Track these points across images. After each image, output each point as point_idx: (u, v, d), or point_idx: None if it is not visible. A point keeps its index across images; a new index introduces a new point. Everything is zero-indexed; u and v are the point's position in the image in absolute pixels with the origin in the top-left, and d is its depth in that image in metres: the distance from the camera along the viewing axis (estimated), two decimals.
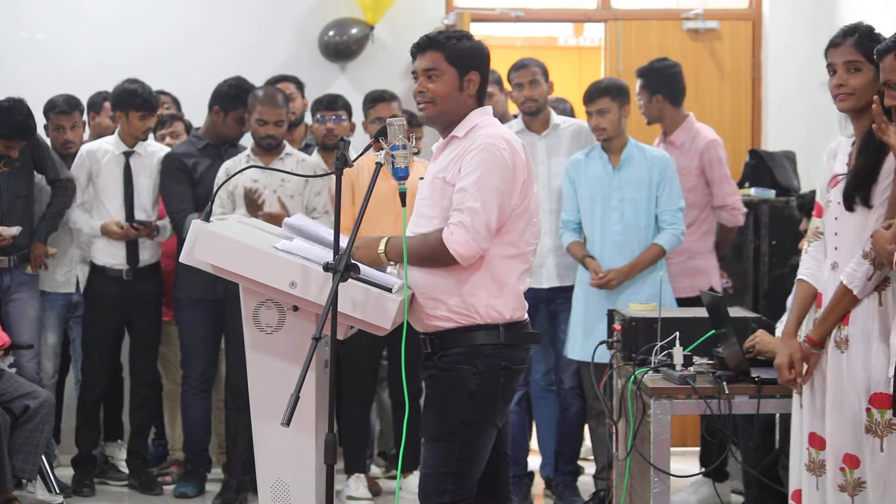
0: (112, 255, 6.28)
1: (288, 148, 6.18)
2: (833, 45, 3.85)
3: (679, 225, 5.76)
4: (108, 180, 6.29)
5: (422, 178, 3.94)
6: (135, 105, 6.26)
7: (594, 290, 5.75)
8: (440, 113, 3.86)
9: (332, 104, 6.42)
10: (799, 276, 3.98)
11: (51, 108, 6.48)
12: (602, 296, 5.72)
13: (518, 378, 3.90)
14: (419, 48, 3.87)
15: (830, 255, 3.83)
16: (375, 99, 6.22)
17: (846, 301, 3.71)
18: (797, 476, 3.95)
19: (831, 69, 3.85)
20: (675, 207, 5.76)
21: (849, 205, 3.75)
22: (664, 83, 6.10)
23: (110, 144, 6.36)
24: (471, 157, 3.74)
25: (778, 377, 3.94)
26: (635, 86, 6.12)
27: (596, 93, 5.82)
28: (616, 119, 5.77)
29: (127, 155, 6.33)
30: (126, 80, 6.32)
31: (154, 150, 6.43)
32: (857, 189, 3.72)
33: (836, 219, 3.81)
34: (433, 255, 3.74)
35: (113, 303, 6.29)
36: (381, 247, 3.79)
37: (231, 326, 6.00)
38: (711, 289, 6.03)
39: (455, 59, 3.83)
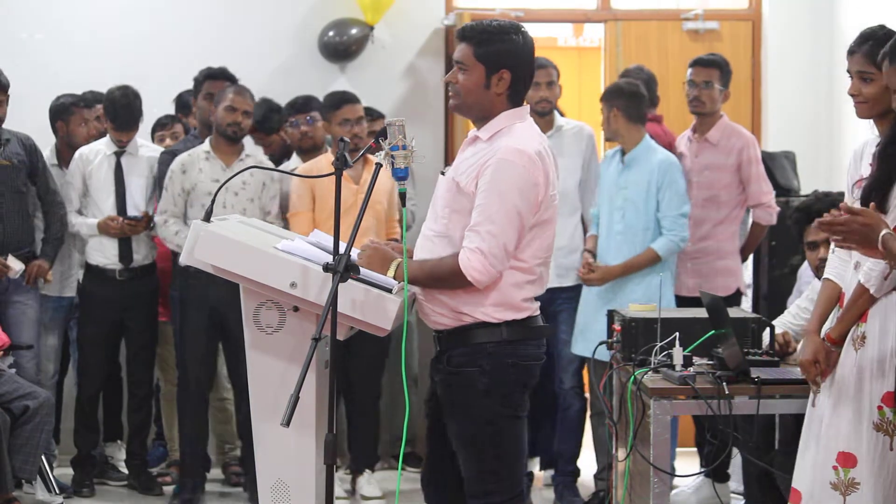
0: (105, 255, 6.29)
1: (246, 150, 6.22)
2: (850, 52, 3.87)
3: (679, 231, 5.74)
4: (100, 180, 6.33)
5: (443, 174, 3.89)
6: (109, 114, 6.35)
7: (602, 289, 5.77)
8: (463, 106, 3.82)
9: (304, 107, 6.42)
10: (825, 276, 4.00)
11: (74, 103, 6.52)
12: (611, 296, 5.72)
13: (533, 371, 3.83)
14: (457, 36, 3.82)
15: (855, 255, 3.81)
16: (342, 101, 6.16)
17: (864, 300, 3.72)
18: (807, 476, 3.93)
19: (849, 74, 3.85)
20: (677, 213, 5.75)
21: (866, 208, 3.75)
22: (730, 80, 6.16)
23: (102, 145, 6.42)
24: (488, 173, 3.66)
25: (803, 374, 3.93)
26: (711, 74, 6.08)
27: (602, 96, 5.92)
28: (605, 121, 5.85)
29: (118, 154, 6.36)
30: (116, 87, 6.35)
31: (146, 149, 6.45)
32: (873, 193, 3.71)
33: None
34: (448, 279, 3.70)
35: (107, 303, 6.29)
36: (392, 271, 3.72)
37: (183, 321, 6.08)
38: (738, 290, 6.05)
39: (483, 55, 3.74)
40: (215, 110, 6.12)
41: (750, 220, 6.25)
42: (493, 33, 3.75)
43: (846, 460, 3.73)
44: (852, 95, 3.86)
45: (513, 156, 3.67)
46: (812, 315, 4.00)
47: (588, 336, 5.73)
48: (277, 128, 6.69)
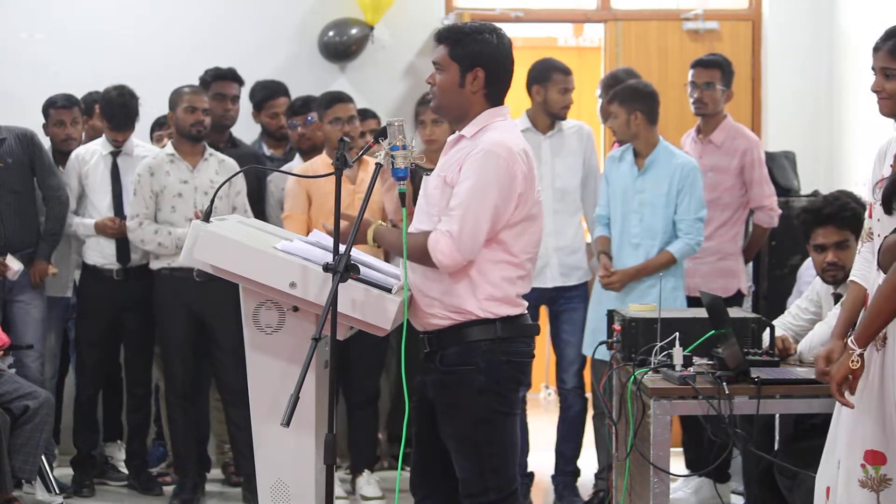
0: (102, 255, 6.28)
1: (209, 149, 6.23)
2: (875, 48, 3.82)
3: (696, 235, 5.71)
4: (97, 180, 6.33)
5: (427, 174, 3.93)
6: (105, 114, 6.37)
7: (604, 290, 5.77)
8: (441, 106, 3.87)
9: (303, 109, 6.42)
10: (850, 278, 3.94)
11: (50, 104, 6.53)
12: (616, 296, 5.72)
13: (525, 369, 3.87)
14: (434, 38, 3.89)
15: (875, 256, 3.79)
16: (333, 100, 6.15)
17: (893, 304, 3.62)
18: (833, 475, 3.91)
19: (873, 71, 3.83)
20: (694, 217, 5.71)
21: (887, 208, 3.70)
22: (732, 80, 6.16)
23: (98, 145, 6.42)
24: (471, 162, 3.71)
25: (820, 379, 3.88)
26: (713, 75, 6.08)
27: (611, 96, 5.86)
28: (623, 124, 5.75)
29: (114, 155, 6.36)
30: (113, 87, 6.35)
31: (142, 150, 6.46)
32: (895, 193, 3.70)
33: (878, 220, 3.77)
34: (419, 256, 3.72)
35: (104, 303, 6.28)
36: (370, 233, 3.80)
37: (161, 322, 6.13)
38: (739, 291, 6.05)
39: (458, 55, 3.79)
40: (173, 115, 6.17)
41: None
42: (468, 34, 3.82)
43: (875, 458, 3.71)
44: (875, 92, 3.82)
45: (496, 147, 3.71)
46: (838, 319, 3.94)
47: (600, 338, 5.73)
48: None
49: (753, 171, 6.06)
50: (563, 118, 6.15)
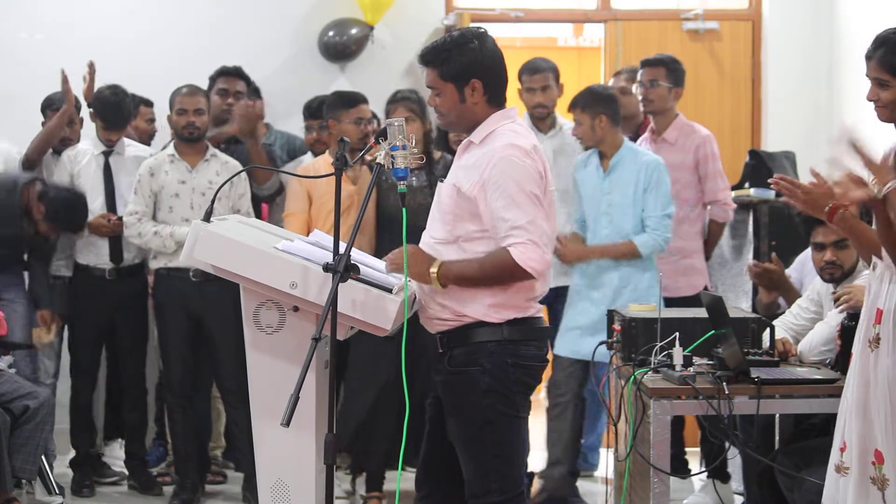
0: (96, 255, 6.27)
1: (212, 149, 6.19)
2: (867, 56, 3.83)
3: (663, 231, 5.73)
4: (89, 180, 6.30)
5: (441, 181, 3.94)
6: (99, 114, 6.35)
7: (580, 288, 5.80)
8: (451, 123, 3.92)
9: (319, 110, 6.40)
10: None
11: (48, 104, 6.51)
12: (590, 297, 5.74)
13: (535, 373, 3.86)
14: (420, 62, 3.89)
15: (887, 259, 3.77)
16: (355, 101, 6.06)
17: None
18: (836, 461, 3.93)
19: (868, 78, 3.84)
20: (661, 213, 5.73)
21: None
22: (681, 78, 6.18)
23: (88, 145, 6.41)
24: (497, 172, 3.71)
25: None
26: (657, 73, 6.11)
27: (571, 104, 5.88)
28: (588, 129, 5.77)
29: (106, 154, 6.36)
30: (106, 86, 6.35)
31: (133, 149, 6.45)
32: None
33: None
34: (503, 275, 3.70)
35: (97, 303, 6.26)
36: (434, 269, 3.74)
37: (160, 322, 6.11)
38: (706, 288, 6.06)
39: (449, 74, 3.80)
40: (170, 116, 6.16)
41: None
42: (451, 50, 3.81)
43: (879, 457, 3.73)
44: (872, 101, 3.84)
45: (512, 151, 3.73)
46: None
47: (566, 335, 5.78)
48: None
49: (707, 165, 6.09)
50: (542, 116, 6.22)
